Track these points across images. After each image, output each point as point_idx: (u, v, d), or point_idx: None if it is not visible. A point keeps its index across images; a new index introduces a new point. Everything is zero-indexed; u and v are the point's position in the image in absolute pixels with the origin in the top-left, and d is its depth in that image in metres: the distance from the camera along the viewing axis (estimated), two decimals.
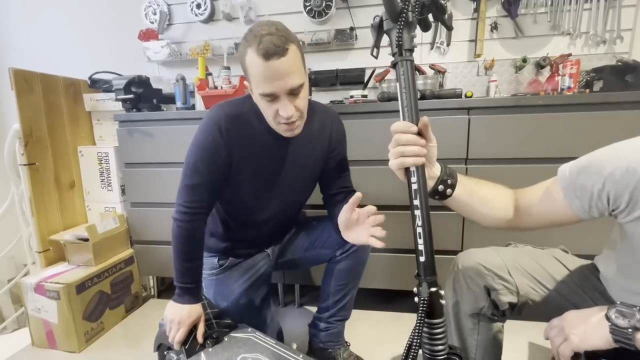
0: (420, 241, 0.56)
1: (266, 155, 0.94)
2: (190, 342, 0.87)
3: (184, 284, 0.90)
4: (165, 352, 0.93)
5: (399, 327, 1.39)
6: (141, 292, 1.62)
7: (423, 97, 1.31)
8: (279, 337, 1.18)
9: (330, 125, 1.04)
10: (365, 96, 1.48)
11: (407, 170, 0.61)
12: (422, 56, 1.65)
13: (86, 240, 1.39)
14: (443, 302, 0.55)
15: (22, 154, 1.40)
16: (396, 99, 1.37)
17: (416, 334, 0.52)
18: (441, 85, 1.58)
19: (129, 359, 1.21)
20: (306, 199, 1.15)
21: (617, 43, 1.51)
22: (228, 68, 1.53)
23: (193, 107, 1.59)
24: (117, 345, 1.34)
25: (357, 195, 0.81)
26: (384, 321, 1.41)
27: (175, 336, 0.87)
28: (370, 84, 1.63)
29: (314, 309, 1.22)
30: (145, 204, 1.53)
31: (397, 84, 0.61)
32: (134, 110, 1.49)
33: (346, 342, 1.16)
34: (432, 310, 0.54)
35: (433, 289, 0.54)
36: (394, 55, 0.60)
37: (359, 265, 1.07)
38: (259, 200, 1.01)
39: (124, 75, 1.50)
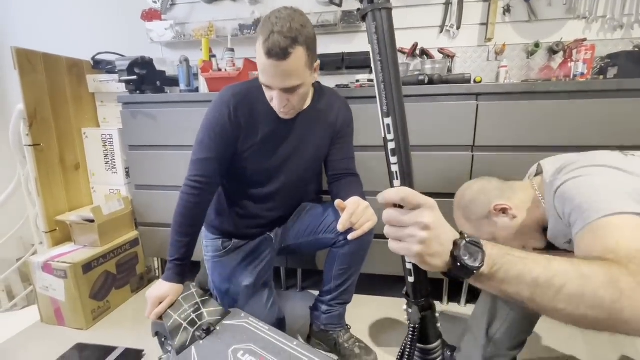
0: (414, 260, 0.42)
1: (271, 132, 0.98)
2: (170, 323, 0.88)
3: (173, 260, 0.93)
4: (162, 340, 0.94)
5: (399, 312, 1.41)
6: (146, 274, 1.65)
7: (431, 82, 1.28)
8: (281, 320, 1.20)
9: (337, 109, 1.07)
10: (372, 80, 1.44)
11: None
12: (431, 40, 1.60)
13: (92, 221, 1.40)
14: (439, 324, 0.47)
15: (27, 135, 1.40)
16: (404, 84, 1.35)
17: None
18: (449, 70, 1.54)
19: (135, 338, 1.23)
20: (311, 180, 1.17)
21: (634, 28, 1.46)
22: (232, 50, 1.50)
23: (197, 89, 1.57)
24: (123, 324, 1.37)
25: (337, 202, 0.83)
26: (384, 306, 1.43)
27: (151, 312, 0.90)
28: None
29: (315, 293, 1.23)
30: (150, 186, 1.53)
31: (370, 49, 0.42)
32: (138, 92, 1.48)
33: (347, 325, 1.17)
34: (424, 335, 0.47)
35: (425, 313, 0.46)
36: (361, 1, 0.43)
37: (362, 250, 1.07)
38: (264, 176, 1.03)
39: (127, 56, 1.48)
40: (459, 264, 0.40)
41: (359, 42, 1.67)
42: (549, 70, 1.53)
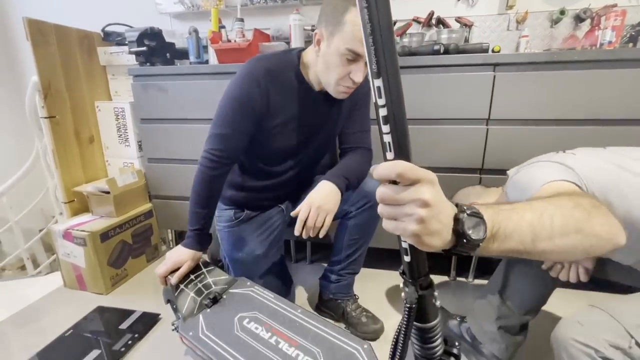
0: (411, 240, 0.38)
1: (298, 112, 0.95)
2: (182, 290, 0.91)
3: (191, 229, 0.95)
4: (174, 306, 0.97)
5: (399, 283, 1.43)
6: (160, 244, 1.71)
7: (446, 52, 1.23)
8: (290, 289, 1.24)
9: None
10: None
11: None
12: (448, 8, 1.53)
13: (107, 193, 1.44)
14: (438, 303, 0.45)
15: (43, 107, 1.42)
16: (419, 54, 1.31)
17: (400, 342, 0.43)
18: (467, 40, 1.48)
19: (151, 303, 1.29)
20: (325, 155, 1.16)
21: None
22: (242, 20, 1.46)
23: (207, 62, 1.55)
24: (140, 290, 1.43)
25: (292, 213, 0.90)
26: (393, 280, 1.44)
27: (160, 269, 0.94)
28: None
29: (324, 266, 1.26)
30: (162, 159, 1.56)
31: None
32: (148, 64, 1.47)
33: (355, 295, 1.20)
34: (423, 314, 0.45)
35: (423, 292, 0.43)
36: None
37: (373, 221, 1.08)
38: (283, 153, 1.02)
39: (136, 28, 1.47)
40: (464, 240, 0.37)
41: None
42: (573, 39, 1.44)
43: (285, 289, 1.19)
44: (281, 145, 0.99)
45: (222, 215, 1.13)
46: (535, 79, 1.13)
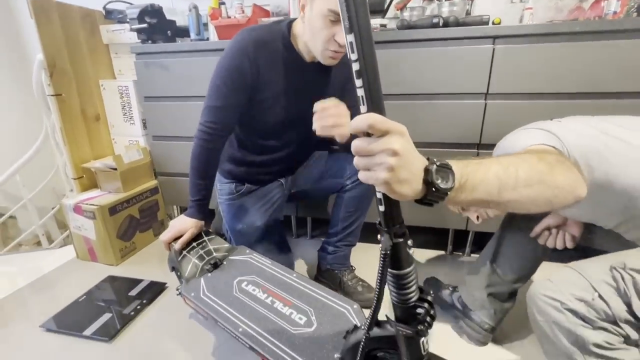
0: (382, 188, 0.41)
1: (289, 83, 0.96)
2: (185, 256, 0.97)
3: (192, 199, 0.99)
4: (178, 274, 1.03)
5: None
6: (167, 220, 1.77)
7: (446, 25, 1.21)
8: (289, 260, 1.28)
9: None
10: (385, 25, 1.39)
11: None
12: None
13: (114, 169, 1.49)
14: (411, 251, 0.48)
15: (49, 85, 1.46)
16: (417, 27, 1.29)
17: (377, 287, 0.47)
18: (468, 13, 1.45)
19: (158, 273, 1.36)
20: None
21: None
22: None
23: (207, 39, 1.56)
24: (148, 262, 1.50)
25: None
26: None
27: (164, 236, 0.99)
28: (391, 13, 1.52)
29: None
30: (166, 137, 1.59)
31: None
32: (149, 42, 1.49)
33: (351, 266, 1.24)
34: (397, 261, 0.48)
35: (397, 240, 0.46)
36: None
37: (368, 194, 1.11)
38: (279, 126, 1.04)
39: (136, 4, 1.47)
40: (433, 189, 0.40)
41: None
42: (579, 11, 1.40)
43: (284, 259, 1.24)
44: (276, 118, 1.00)
45: (223, 189, 1.17)
46: (536, 52, 1.12)
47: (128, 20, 1.47)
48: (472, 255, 1.48)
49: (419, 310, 0.48)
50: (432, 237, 1.57)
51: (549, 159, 0.51)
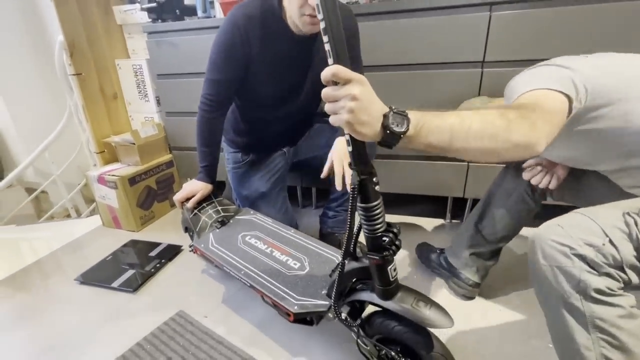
0: (346, 128, 0.50)
1: (282, 55, 1.00)
2: (194, 214, 1.07)
3: (201, 165, 1.09)
4: (190, 234, 1.14)
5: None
6: None
7: None
8: (293, 226, 1.37)
9: (341, 17, 1.06)
10: None
11: None
12: None
13: (133, 144, 1.60)
14: (377, 187, 0.56)
15: (70, 65, 1.57)
16: None
17: (348, 218, 0.55)
18: None
19: (174, 237, 1.49)
20: (320, 103, 1.23)
21: None
22: None
23: (214, 17, 1.61)
24: (165, 228, 1.63)
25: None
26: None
27: (177, 196, 1.09)
28: None
29: None
30: (179, 113, 1.68)
31: None
32: (159, 21, 1.56)
33: None
34: (365, 195, 0.55)
35: (364, 177, 0.54)
36: None
37: None
38: (275, 100, 1.10)
39: None
40: (388, 131, 0.47)
41: None
42: None
43: (288, 222, 1.33)
44: (271, 90, 1.06)
45: (230, 158, 1.26)
46: (533, 17, 1.12)
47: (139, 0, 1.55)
48: None
49: (385, 239, 0.56)
50: (431, 205, 1.63)
51: (510, 116, 0.53)
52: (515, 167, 0.97)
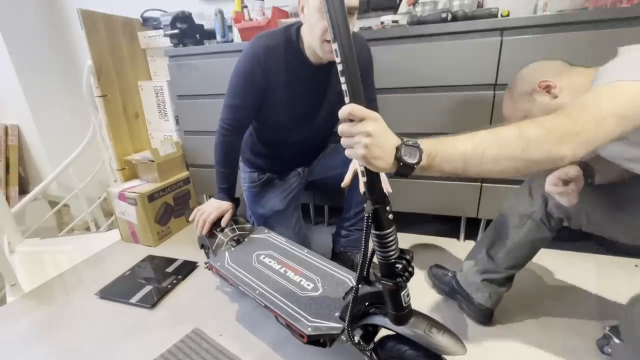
0: (361, 162, 0.53)
1: (299, 82, 1.05)
2: (213, 234, 1.10)
3: (219, 185, 1.13)
4: (206, 251, 1.18)
5: (412, 247, 1.54)
6: None
7: (454, 19, 1.26)
8: (306, 244, 1.39)
9: (357, 50, 1.10)
10: (396, 21, 1.45)
11: None
12: None
13: (152, 161, 1.67)
14: (390, 216, 0.58)
15: (97, 87, 1.66)
16: (426, 22, 1.34)
17: (363, 244, 0.58)
18: (480, 5, 1.48)
19: (191, 253, 1.52)
20: (336, 123, 1.27)
21: None
22: None
23: (232, 40, 1.69)
24: (181, 244, 1.67)
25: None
26: (401, 241, 1.55)
27: (199, 219, 1.12)
28: (404, 9, 1.58)
29: None
30: (196, 132, 1.75)
31: None
32: (181, 45, 1.64)
33: None
34: (379, 223, 0.57)
35: (377, 206, 0.56)
36: None
37: None
38: (292, 124, 1.14)
39: (169, 12, 1.63)
40: (401, 163, 0.50)
41: None
42: None
43: (301, 241, 1.35)
44: (288, 116, 1.11)
45: (247, 177, 1.30)
46: (544, 42, 1.14)
47: (162, 26, 1.64)
48: None
49: (398, 265, 0.58)
50: (445, 224, 1.63)
51: (530, 134, 0.52)
52: (530, 189, 0.94)
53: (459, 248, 1.50)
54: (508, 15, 1.26)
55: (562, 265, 1.30)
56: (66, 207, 2.49)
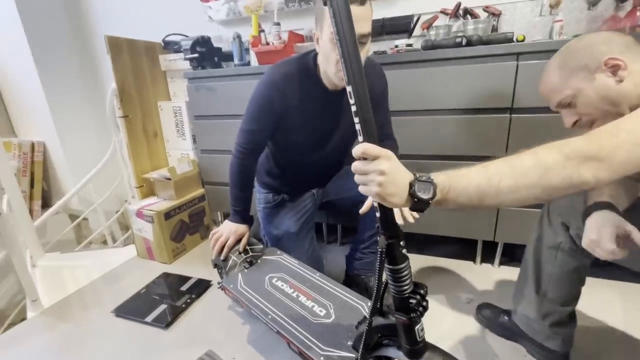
0: (375, 199, 0.53)
1: (316, 108, 1.07)
2: (229, 257, 1.11)
3: (235, 207, 1.15)
4: (219, 271, 1.19)
5: (427, 269, 1.51)
6: (212, 225, 1.97)
7: (469, 43, 1.27)
8: (319, 265, 1.39)
9: (372, 78, 1.12)
10: (411, 45, 1.47)
11: None
12: None
13: (169, 179, 1.71)
14: (404, 251, 0.57)
15: (119, 108, 1.73)
16: (441, 46, 1.36)
17: (376, 280, 0.58)
18: (495, 29, 1.49)
19: (204, 271, 1.54)
20: (351, 146, 1.28)
21: None
22: (278, 24, 1.62)
23: (248, 63, 1.74)
24: (195, 261, 1.69)
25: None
26: (415, 263, 1.53)
27: (216, 242, 1.13)
28: (418, 32, 1.60)
29: None
30: (213, 150, 1.79)
31: (333, 29, 0.49)
32: (199, 68, 1.70)
33: None
34: (393, 257, 0.57)
35: (391, 240, 0.56)
36: None
37: None
38: (309, 147, 1.16)
39: (189, 37, 1.70)
40: (416, 199, 0.51)
41: (401, 6, 1.67)
42: (614, 21, 1.38)
43: (315, 262, 1.35)
44: (304, 141, 1.13)
45: (262, 198, 1.32)
46: None
47: (182, 50, 1.71)
48: (502, 266, 1.48)
49: (412, 300, 0.57)
50: (461, 246, 1.60)
51: (548, 161, 0.51)
52: (549, 217, 0.89)
53: (476, 271, 1.46)
54: (524, 40, 1.26)
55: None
56: (85, 220, 2.56)
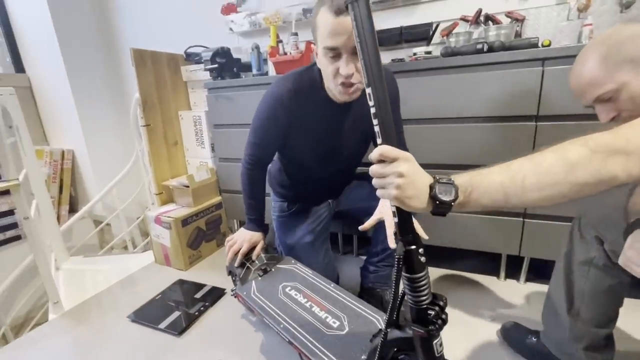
0: (394, 203, 0.51)
1: (322, 122, 1.05)
2: (243, 264, 1.10)
3: (249, 215, 1.15)
4: (234, 278, 1.18)
5: (447, 283, 1.44)
6: (228, 232, 1.97)
7: (491, 50, 1.23)
8: (335, 276, 1.36)
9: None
10: (430, 52, 1.44)
11: None
12: (498, 2, 1.50)
13: (187, 187, 1.74)
14: (423, 259, 0.55)
15: (142, 117, 1.78)
16: (461, 53, 1.33)
17: (393, 287, 0.55)
18: (519, 35, 1.44)
19: (220, 278, 1.53)
20: (361, 159, 1.26)
21: None
22: (296, 34, 1.64)
23: (266, 73, 1.77)
24: (210, 269, 1.70)
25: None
26: (431, 277, 1.46)
27: (230, 249, 1.13)
28: (437, 39, 1.57)
29: None
30: (231, 159, 1.81)
31: (354, 33, 0.50)
32: (219, 78, 1.74)
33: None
34: (410, 265, 0.54)
35: (410, 247, 0.53)
36: None
37: None
38: (317, 161, 1.15)
39: (210, 48, 1.74)
40: (437, 202, 0.48)
41: (420, 14, 1.65)
42: None
43: (329, 273, 1.32)
44: (313, 153, 1.12)
45: (276, 207, 1.31)
46: None
47: (203, 61, 1.75)
48: (528, 283, 1.39)
49: (430, 312, 0.53)
50: (484, 260, 1.52)
51: (572, 157, 0.48)
52: (580, 230, 0.83)
53: (500, 287, 1.39)
54: (549, 45, 1.21)
55: None
56: (108, 226, 2.64)
